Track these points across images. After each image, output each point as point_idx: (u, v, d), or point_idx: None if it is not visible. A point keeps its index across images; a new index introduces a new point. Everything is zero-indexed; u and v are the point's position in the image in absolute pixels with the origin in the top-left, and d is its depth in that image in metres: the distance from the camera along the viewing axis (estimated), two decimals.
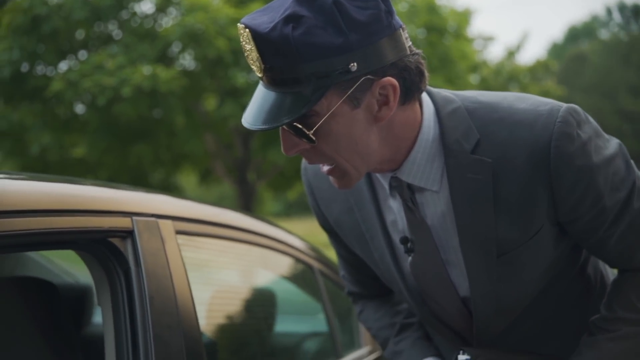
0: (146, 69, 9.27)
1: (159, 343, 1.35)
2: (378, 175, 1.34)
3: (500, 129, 1.23)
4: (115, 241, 1.39)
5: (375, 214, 1.37)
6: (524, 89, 16.19)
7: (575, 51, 45.59)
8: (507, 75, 16.35)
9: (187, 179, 17.40)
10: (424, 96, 1.29)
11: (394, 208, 1.35)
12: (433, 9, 11.34)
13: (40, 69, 10.63)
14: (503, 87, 15.87)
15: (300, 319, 2.41)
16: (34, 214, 1.23)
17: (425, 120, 1.27)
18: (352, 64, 1.12)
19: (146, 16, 10.65)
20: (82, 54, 10.76)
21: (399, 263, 1.40)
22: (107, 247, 1.39)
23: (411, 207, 1.31)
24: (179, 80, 9.22)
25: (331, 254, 2.12)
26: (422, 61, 1.22)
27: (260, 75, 1.17)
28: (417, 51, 1.22)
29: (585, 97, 39.70)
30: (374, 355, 2.32)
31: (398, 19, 1.20)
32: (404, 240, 1.35)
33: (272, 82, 1.15)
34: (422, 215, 1.31)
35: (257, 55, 1.13)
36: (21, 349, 1.46)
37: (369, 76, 1.14)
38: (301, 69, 1.11)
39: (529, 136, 1.21)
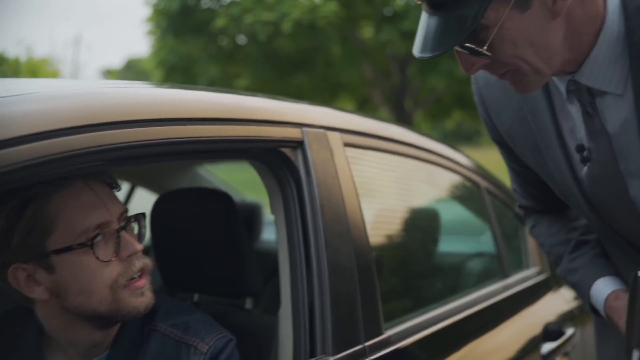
0: (305, 1, 9.35)
1: (330, 249, 1.38)
2: (555, 79, 1.26)
3: None
4: (286, 151, 1.42)
5: (551, 122, 1.29)
6: None
7: None
8: None
9: (345, 107, 17.63)
10: None
11: (573, 114, 1.26)
12: None
13: (205, 2, 11.06)
14: None
15: (466, 238, 2.37)
16: (211, 122, 1.28)
17: (609, 15, 1.16)
18: None
19: None
20: None
21: (576, 174, 1.31)
22: (278, 156, 1.42)
23: (590, 113, 1.22)
24: (337, 12, 9.22)
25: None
26: None
27: (419, 1, 1.13)
28: None
29: None
30: (543, 276, 2.24)
31: None
32: (580, 149, 1.26)
33: (433, 5, 1.11)
34: (602, 121, 1.22)
35: None
36: (199, 253, 1.55)
37: None
38: None
39: None
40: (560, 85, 1.25)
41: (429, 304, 1.77)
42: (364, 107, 14.45)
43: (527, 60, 1.13)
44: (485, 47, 1.10)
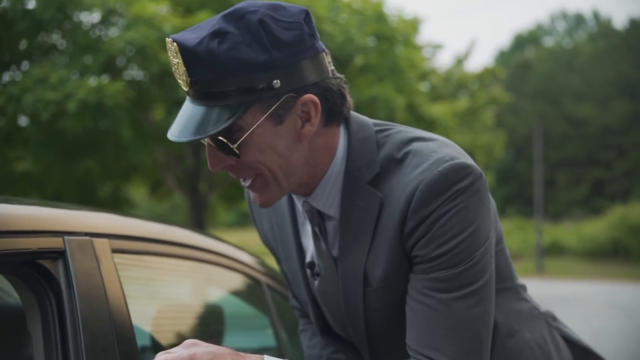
0: (92, 81, 9.05)
1: None
2: (295, 199, 1.36)
3: (397, 167, 1.24)
4: (45, 263, 1.32)
5: (293, 236, 1.39)
6: (472, 95, 16.51)
7: (520, 58, 46.66)
8: (455, 83, 16.62)
9: (138, 191, 17.11)
10: (342, 126, 1.30)
11: (309, 232, 1.36)
12: (382, 18, 11.40)
13: None
14: (452, 95, 16.11)
15: (247, 335, 2.36)
16: None
17: (339, 149, 1.28)
18: (275, 81, 1.15)
19: (91, 26, 10.40)
20: (25, 65, 10.45)
21: (310, 287, 1.41)
22: (36, 269, 1.32)
23: (317, 234, 1.32)
24: (126, 93, 9.02)
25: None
26: (345, 85, 1.26)
27: (186, 89, 1.18)
28: (340, 76, 1.26)
29: (531, 104, 40.65)
30: None
31: (321, 43, 1.24)
32: (311, 265, 1.36)
33: (199, 96, 1.17)
34: (328, 242, 1.32)
35: (184, 69, 1.15)
36: None
37: (291, 94, 1.17)
38: (226, 83, 1.14)
39: (410, 178, 1.21)
40: (298, 205, 1.34)
41: None
42: (157, 191, 14.17)
43: (269, 168, 1.21)
44: (235, 146, 1.17)
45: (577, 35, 52.65)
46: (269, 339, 2.18)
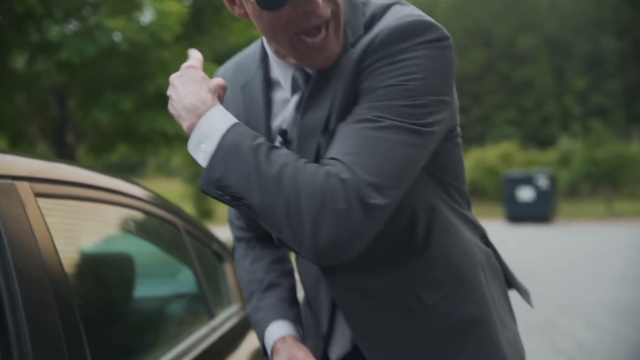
0: None
1: (34, 322, 1.18)
2: (282, 70, 1.35)
3: (376, 28, 1.26)
4: None
5: (264, 116, 1.37)
6: None
7: None
8: None
9: None
10: None
11: (289, 107, 1.35)
12: None
13: None
14: None
15: (169, 281, 2.28)
16: None
17: None
18: None
19: None
20: None
21: None
22: None
23: (303, 97, 1.32)
24: None
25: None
26: None
27: None
28: None
29: None
30: (245, 312, 2.25)
31: None
32: (283, 133, 1.34)
33: None
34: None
35: None
36: None
37: None
38: None
39: (379, 27, 1.25)
40: (287, 75, 1.34)
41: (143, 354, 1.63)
42: (18, 142, 13.24)
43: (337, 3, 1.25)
44: None
45: None
46: (190, 285, 2.12)
